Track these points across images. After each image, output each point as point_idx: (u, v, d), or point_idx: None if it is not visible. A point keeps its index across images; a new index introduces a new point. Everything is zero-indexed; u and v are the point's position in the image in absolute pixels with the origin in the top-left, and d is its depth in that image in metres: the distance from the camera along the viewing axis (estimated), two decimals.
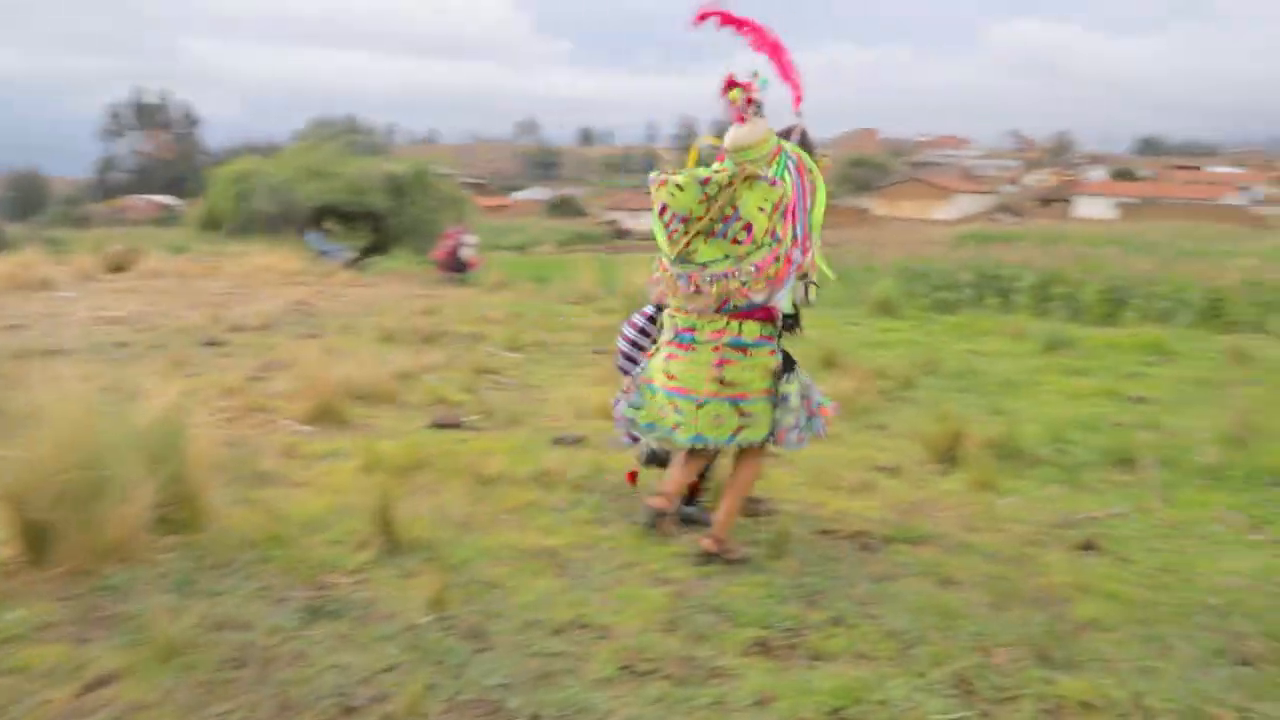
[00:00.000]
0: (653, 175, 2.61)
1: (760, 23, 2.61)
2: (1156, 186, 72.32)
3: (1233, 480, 4.21)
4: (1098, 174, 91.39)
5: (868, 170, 79.34)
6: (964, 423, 4.57)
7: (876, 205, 73.77)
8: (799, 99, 2.68)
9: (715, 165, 2.56)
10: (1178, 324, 12.43)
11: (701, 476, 3.05)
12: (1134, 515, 3.79)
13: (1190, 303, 13.51)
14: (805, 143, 2.81)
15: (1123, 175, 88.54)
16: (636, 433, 2.90)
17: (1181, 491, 4.11)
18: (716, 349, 2.62)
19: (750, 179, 2.48)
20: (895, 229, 46.01)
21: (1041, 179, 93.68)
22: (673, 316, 2.71)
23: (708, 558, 2.69)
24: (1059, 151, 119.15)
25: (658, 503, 2.74)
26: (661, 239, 2.57)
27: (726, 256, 2.53)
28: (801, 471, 4.04)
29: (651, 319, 3.03)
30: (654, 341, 2.95)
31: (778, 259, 2.58)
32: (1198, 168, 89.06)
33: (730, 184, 2.49)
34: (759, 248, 2.52)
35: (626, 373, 3.02)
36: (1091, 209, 68.05)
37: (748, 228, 2.52)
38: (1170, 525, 3.67)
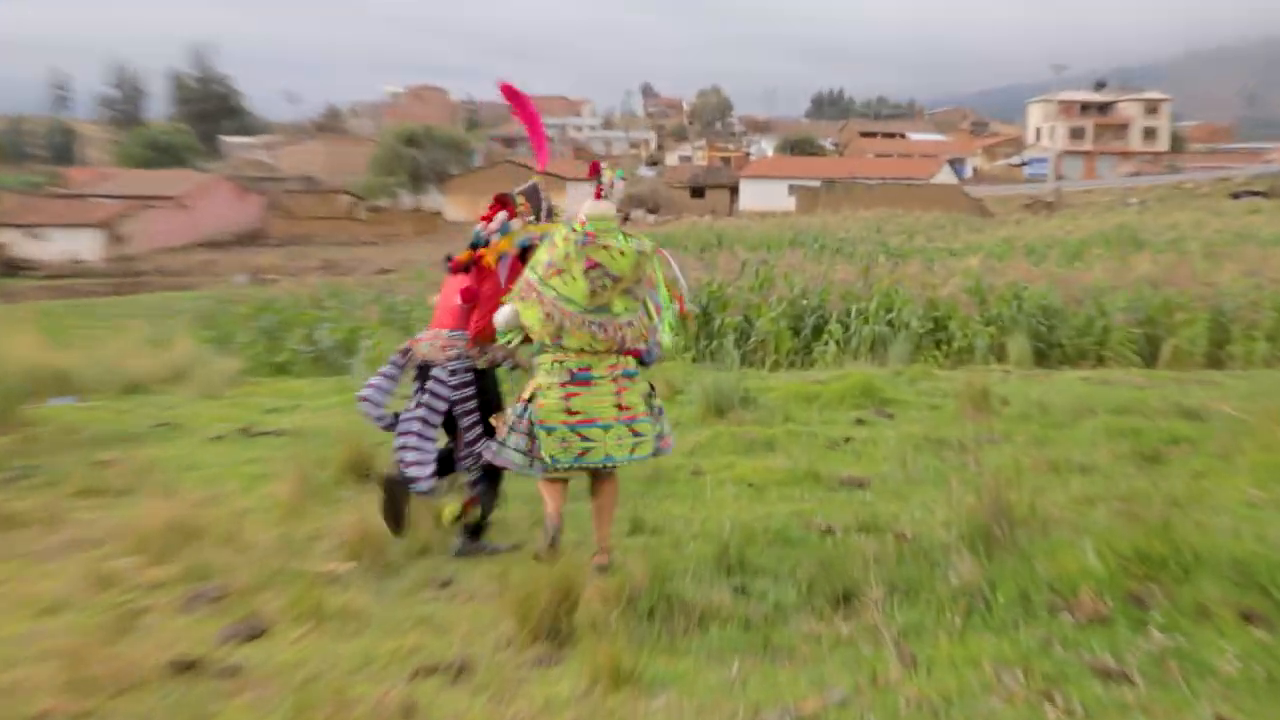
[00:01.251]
0: (579, 236, 5.36)
1: (526, 96, 5.88)
2: (845, 164, 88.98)
3: (1000, 611, 4.45)
4: (764, 147, 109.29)
5: (438, 151, 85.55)
6: (581, 569, 4.86)
7: (451, 203, 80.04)
8: (544, 161, 5.93)
9: (621, 236, 5.46)
10: (893, 356, 14.46)
11: (486, 513, 5.76)
12: (863, 697, 3.92)
13: (906, 324, 16.25)
14: (536, 199, 6.00)
15: (800, 148, 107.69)
16: (529, 472, 5.41)
17: (931, 642, 4.35)
18: (615, 380, 5.30)
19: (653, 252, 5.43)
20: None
21: (689, 156, 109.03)
22: (561, 362, 5.29)
23: (603, 570, 5.23)
24: (710, 117, 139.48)
25: (552, 528, 5.27)
26: (577, 290, 5.27)
27: (628, 309, 5.34)
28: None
29: (399, 367, 6.00)
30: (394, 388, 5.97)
31: (648, 314, 5.55)
32: (901, 135, 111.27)
33: (650, 254, 5.44)
34: (639, 304, 5.41)
35: (375, 418, 5.97)
36: (758, 196, 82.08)
37: (647, 285, 5.49)
38: (922, 708, 3.80)
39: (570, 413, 5.33)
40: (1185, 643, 4.12)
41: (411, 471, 5.64)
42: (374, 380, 6.05)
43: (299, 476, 6.73)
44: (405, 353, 6.03)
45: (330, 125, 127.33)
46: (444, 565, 5.62)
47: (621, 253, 5.35)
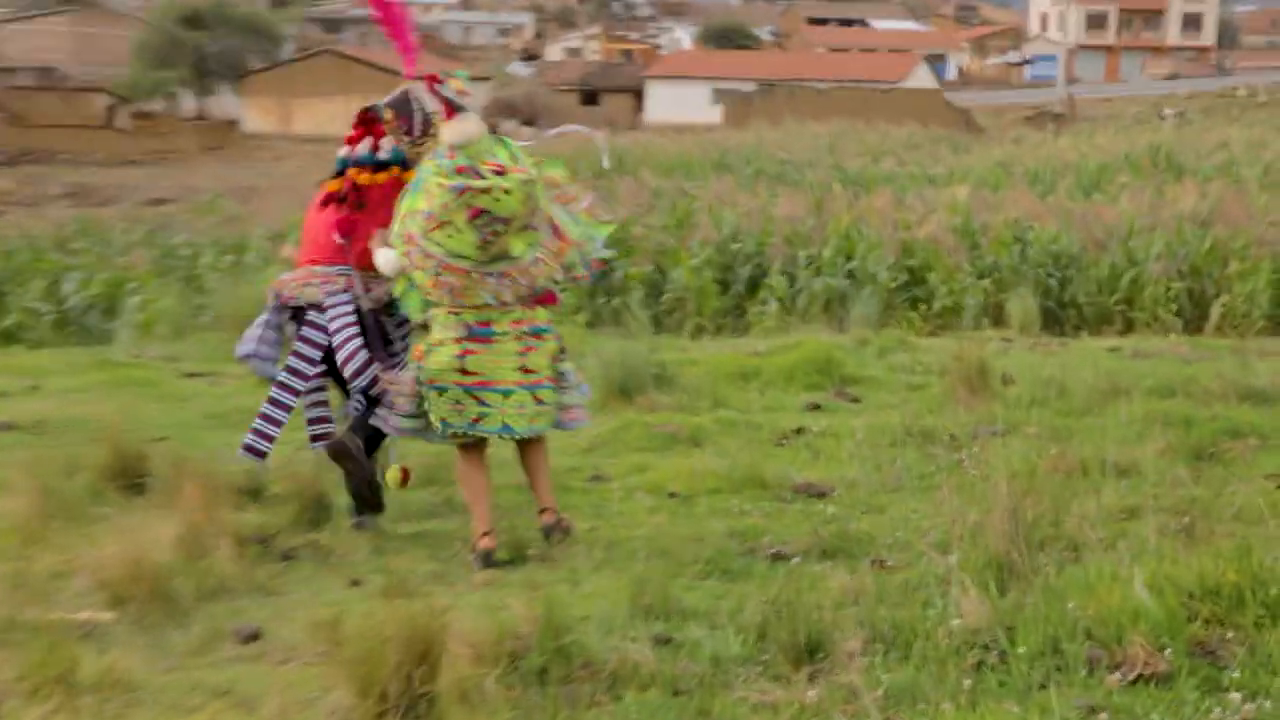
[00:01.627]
0: (454, 184, 5.89)
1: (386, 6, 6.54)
2: (788, 61, 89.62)
3: (1021, 668, 4.63)
4: (680, 38, 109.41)
5: (233, 36, 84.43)
6: (441, 614, 4.68)
7: (251, 107, 79.06)
8: (412, 64, 6.34)
9: (477, 158, 6.04)
10: (855, 319, 14.60)
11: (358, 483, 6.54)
12: None
13: (873, 276, 16.40)
14: (408, 111, 6.37)
15: (728, 39, 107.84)
16: (425, 438, 6.38)
17: (930, 712, 4.41)
18: (519, 338, 6.02)
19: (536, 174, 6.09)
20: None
21: (578, 48, 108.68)
22: (457, 314, 5.99)
23: (565, 533, 6.32)
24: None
25: (484, 544, 6.12)
26: (465, 242, 5.91)
27: (530, 245, 6.00)
28: None
29: (278, 311, 6.72)
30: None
31: (559, 237, 6.22)
32: (862, 22, 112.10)
33: (534, 179, 6.02)
34: (541, 234, 6.07)
35: (268, 376, 6.74)
36: (672, 103, 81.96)
37: (544, 217, 6.15)
38: None
39: (465, 373, 6.11)
40: (1271, 709, 4.14)
41: (248, 438, 6.58)
42: (251, 333, 6.77)
43: (38, 489, 6.62)
44: (277, 296, 6.70)
45: None
46: (248, 609, 5.54)
47: (506, 190, 5.97)
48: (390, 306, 6.50)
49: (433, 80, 6.33)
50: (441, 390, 6.12)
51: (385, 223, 6.29)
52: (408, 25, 6.73)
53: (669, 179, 32.59)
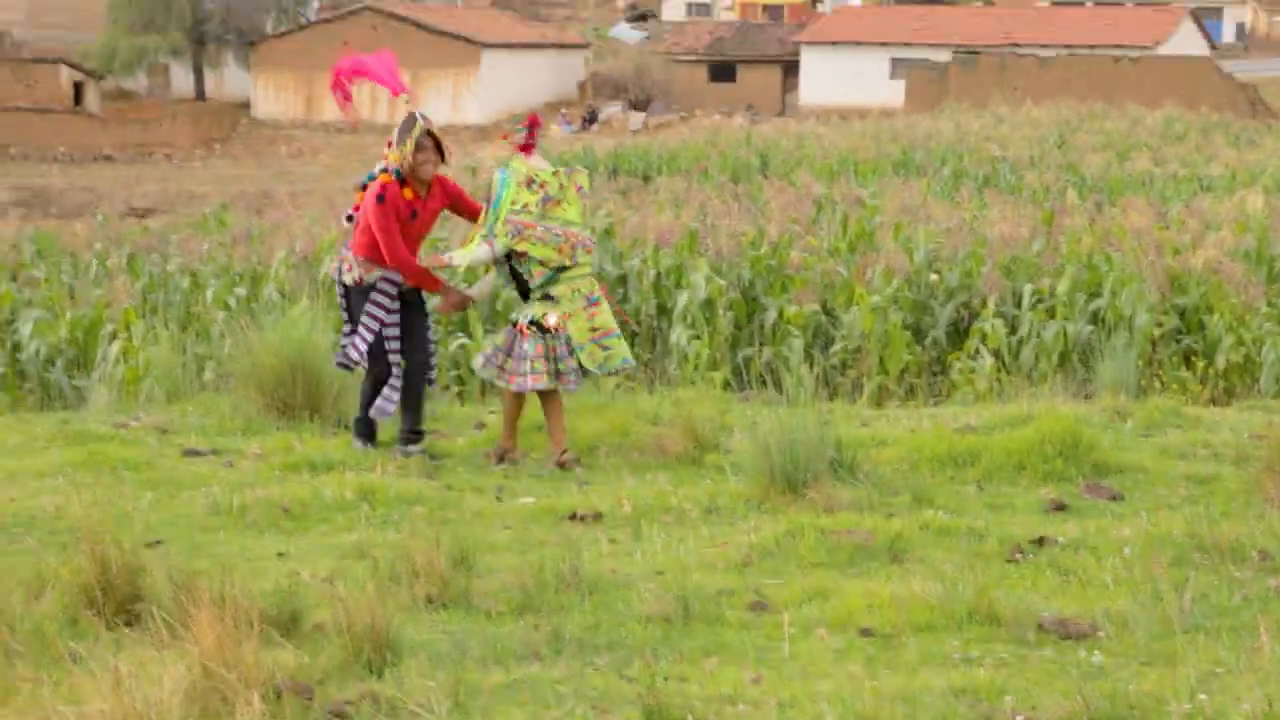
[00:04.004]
0: (547, 165, 11.60)
1: (352, 63, 11.94)
2: (997, 20, 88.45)
3: None
4: None
5: None
6: None
7: (265, 85, 79.91)
8: (396, 90, 11.66)
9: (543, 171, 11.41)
10: (1105, 380, 14.35)
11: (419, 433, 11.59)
12: None
13: (1128, 320, 16.19)
14: (402, 130, 11.23)
15: None
16: (561, 387, 11.24)
17: None
18: (606, 298, 11.57)
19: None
20: None
21: (706, 4, 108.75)
22: (578, 288, 11.23)
23: (571, 463, 11.08)
24: None
25: (508, 451, 11.28)
26: (575, 211, 11.29)
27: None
28: None
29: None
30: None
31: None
32: None
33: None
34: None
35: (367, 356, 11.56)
36: (834, 80, 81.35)
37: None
38: None
39: (594, 329, 11.10)
40: None
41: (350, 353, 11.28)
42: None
43: None
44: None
45: None
46: None
47: (561, 181, 11.12)
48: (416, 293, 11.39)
49: (534, 123, 11.37)
50: (581, 348, 10.98)
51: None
52: (389, 74, 11.55)
53: (835, 183, 32.48)
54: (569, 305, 10.94)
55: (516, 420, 11.30)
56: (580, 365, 10.99)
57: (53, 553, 7.66)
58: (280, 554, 8.46)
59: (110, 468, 10.49)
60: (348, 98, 11.71)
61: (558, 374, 10.89)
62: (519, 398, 11.14)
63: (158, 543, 8.35)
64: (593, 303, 11.07)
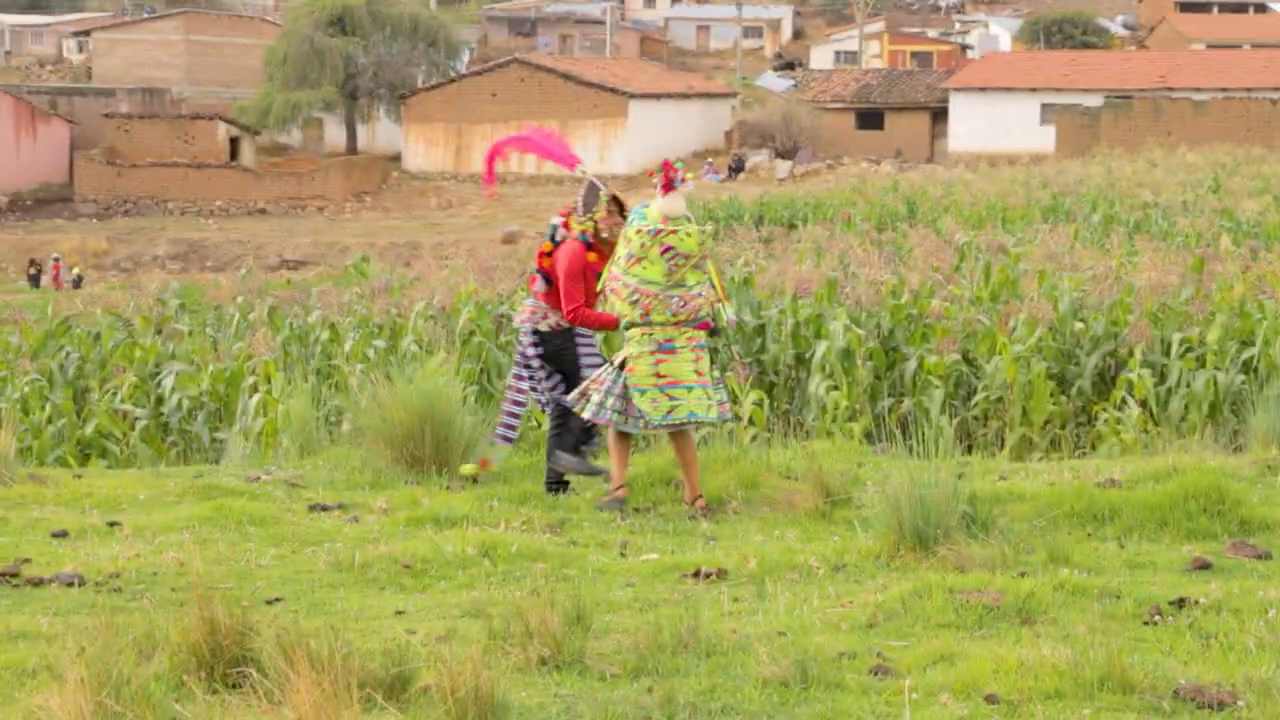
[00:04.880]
0: (652, 228, 11.47)
1: (519, 138, 13.27)
2: (1151, 62, 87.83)
3: None
4: (996, 33, 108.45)
5: (393, 43, 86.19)
6: None
7: (416, 137, 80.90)
8: (570, 164, 12.72)
9: (677, 222, 11.64)
10: (1257, 433, 14.02)
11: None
12: None
13: None
14: (587, 197, 12.26)
15: (1063, 33, 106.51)
16: (625, 427, 11.71)
17: None
18: (692, 349, 11.60)
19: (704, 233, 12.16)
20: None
21: (853, 51, 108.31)
22: (649, 334, 11.49)
23: (706, 512, 11.44)
24: None
25: (620, 493, 11.72)
26: (657, 271, 11.38)
27: (698, 281, 11.65)
28: None
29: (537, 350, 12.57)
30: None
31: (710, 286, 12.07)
32: (1260, 5, 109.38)
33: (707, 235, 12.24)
34: (706, 277, 11.88)
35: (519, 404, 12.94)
36: (984, 125, 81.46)
37: (710, 266, 12.20)
38: None
39: (659, 376, 11.19)
40: None
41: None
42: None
43: (96, 677, 6.44)
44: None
45: None
46: None
47: (688, 234, 11.19)
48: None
49: (668, 170, 11.39)
50: (643, 392, 11.16)
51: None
52: (561, 151, 12.58)
53: (981, 230, 32.24)
54: (637, 348, 11.28)
55: (622, 460, 11.61)
56: (644, 411, 11.22)
57: (171, 610, 7.55)
58: (399, 612, 8.34)
59: (236, 523, 10.49)
60: (491, 180, 13.03)
61: (624, 413, 11.30)
62: (621, 439, 11.53)
63: (277, 600, 8.27)
64: (666, 350, 11.29)
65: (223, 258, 49.18)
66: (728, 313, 11.80)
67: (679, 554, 9.70)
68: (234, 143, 79.37)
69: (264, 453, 14.74)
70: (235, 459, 14.09)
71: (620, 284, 11.21)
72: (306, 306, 21.40)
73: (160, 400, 17.56)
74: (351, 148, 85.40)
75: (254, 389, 16.65)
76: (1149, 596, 8.25)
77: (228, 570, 8.02)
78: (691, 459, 11.48)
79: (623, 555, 9.81)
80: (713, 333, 11.65)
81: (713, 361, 11.31)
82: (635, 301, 11.15)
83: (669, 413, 11.22)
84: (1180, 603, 8.11)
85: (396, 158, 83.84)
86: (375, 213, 72.93)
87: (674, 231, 11.18)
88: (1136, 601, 8.16)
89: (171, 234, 58.70)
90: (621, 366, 11.32)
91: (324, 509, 11.09)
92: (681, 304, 11.24)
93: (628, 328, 11.39)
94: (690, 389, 11.25)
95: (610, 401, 11.25)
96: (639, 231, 11.19)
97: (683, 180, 11.37)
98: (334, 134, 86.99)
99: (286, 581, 8.88)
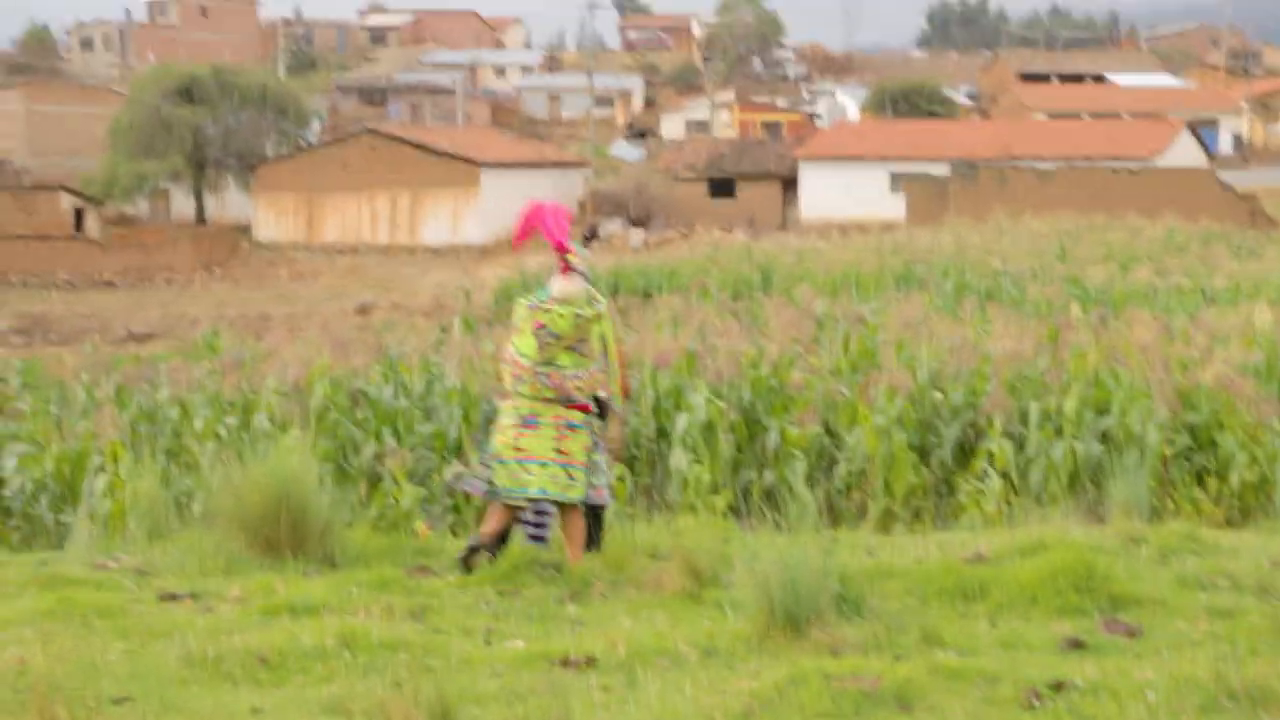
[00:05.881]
0: (529, 303, 11.99)
1: (530, 215, 12.61)
2: (995, 131, 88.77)
3: None
4: (844, 103, 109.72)
5: (242, 112, 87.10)
6: None
7: (266, 208, 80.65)
8: (559, 247, 12.23)
9: (576, 303, 11.96)
10: (1117, 502, 14.02)
11: (503, 536, 12.08)
12: None
13: (1139, 438, 15.85)
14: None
15: (910, 103, 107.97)
16: (488, 497, 12.08)
17: None
18: (557, 428, 11.81)
19: (600, 317, 12.14)
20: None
21: (704, 120, 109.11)
22: (516, 408, 11.85)
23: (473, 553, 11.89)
24: (743, 48, 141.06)
25: (478, 539, 11.95)
26: (530, 346, 11.71)
27: (575, 363, 11.87)
28: None
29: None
30: None
31: (601, 371, 12.23)
32: (1097, 77, 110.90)
33: (594, 319, 12.06)
34: (593, 361, 12.04)
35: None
36: (834, 193, 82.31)
37: (598, 350, 12.24)
38: None
39: (518, 450, 11.40)
40: None
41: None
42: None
43: None
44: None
45: (37, 64, 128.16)
46: None
47: (561, 315, 11.34)
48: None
49: (561, 246, 11.64)
50: (502, 462, 11.47)
51: None
52: (560, 230, 11.88)
53: (836, 298, 32.32)
54: (504, 419, 11.65)
55: (497, 516, 11.71)
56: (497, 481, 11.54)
57: (10, 714, 7.28)
58: (255, 710, 7.99)
59: (81, 615, 10.02)
60: (522, 241, 12.74)
61: (489, 482, 11.62)
62: (501, 509, 11.73)
63: (125, 699, 7.93)
64: (528, 425, 11.50)
65: (68, 331, 48.31)
66: (613, 405, 11.83)
67: (545, 640, 9.38)
68: (78, 214, 78.36)
69: (111, 537, 14.33)
70: (81, 544, 13.64)
71: (505, 353, 11.73)
72: (155, 383, 20.96)
73: (1, 483, 17.11)
74: (200, 218, 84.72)
75: (100, 470, 16.25)
76: (1026, 679, 8.10)
77: (72, 667, 7.69)
78: (574, 534, 11.61)
79: (488, 643, 9.47)
80: (600, 415, 11.66)
81: (596, 443, 11.45)
82: (510, 372, 11.51)
83: (520, 486, 11.46)
84: (1058, 686, 7.99)
85: (246, 228, 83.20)
86: (225, 284, 72.22)
87: (548, 310, 11.43)
88: (1014, 684, 8.02)
89: (14, 307, 57.74)
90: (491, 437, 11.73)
91: (175, 598, 10.67)
92: (549, 381, 11.41)
93: (502, 398, 11.83)
94: (545, 465, 11.43)
95: (479, 470, 11.75)
96: (524, 304, 11.60)
97: (576, 261, 11.63)
98: (182, 204, 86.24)
99: (135, 678, 8.49)
